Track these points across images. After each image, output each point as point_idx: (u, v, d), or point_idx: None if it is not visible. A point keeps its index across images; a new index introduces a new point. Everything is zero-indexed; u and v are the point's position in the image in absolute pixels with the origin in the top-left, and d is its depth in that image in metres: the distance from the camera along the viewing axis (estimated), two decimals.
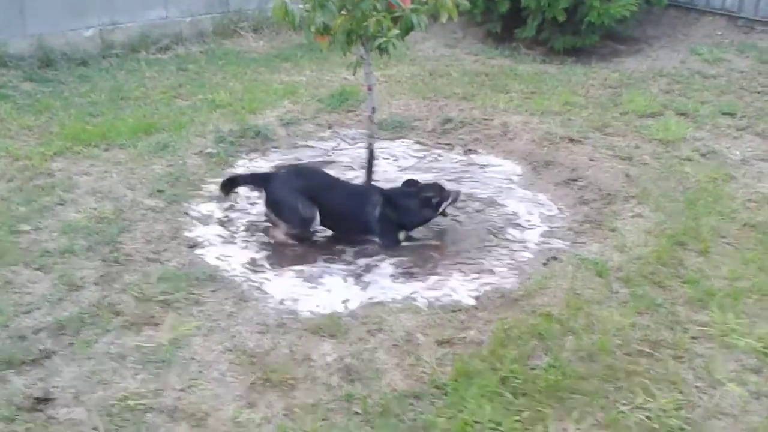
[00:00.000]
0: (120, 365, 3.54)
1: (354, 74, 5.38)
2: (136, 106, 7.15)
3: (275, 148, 6.36)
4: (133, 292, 4.12)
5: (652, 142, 6.19)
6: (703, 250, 4.48)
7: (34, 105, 7.13)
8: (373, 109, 5.39)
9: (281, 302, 4.13)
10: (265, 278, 4.42)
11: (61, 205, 5.13)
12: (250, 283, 4.34)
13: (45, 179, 5.51)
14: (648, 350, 3.60)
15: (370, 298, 4.20)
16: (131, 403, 3.28)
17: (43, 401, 3.30)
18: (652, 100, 7.07)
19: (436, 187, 4.94)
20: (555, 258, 4.53)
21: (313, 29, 4.91)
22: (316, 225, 4.84)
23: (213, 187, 5.54)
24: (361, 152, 5.56)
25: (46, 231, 4.79)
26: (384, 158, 5.98)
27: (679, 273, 4.27)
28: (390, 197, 4.91)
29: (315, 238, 4.90)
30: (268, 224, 4.96)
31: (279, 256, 4.69)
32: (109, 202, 5.18)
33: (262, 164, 6.03)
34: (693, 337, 3.71)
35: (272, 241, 4.85)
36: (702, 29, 9.47)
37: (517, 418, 3.19)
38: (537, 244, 4.79)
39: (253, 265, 4.58)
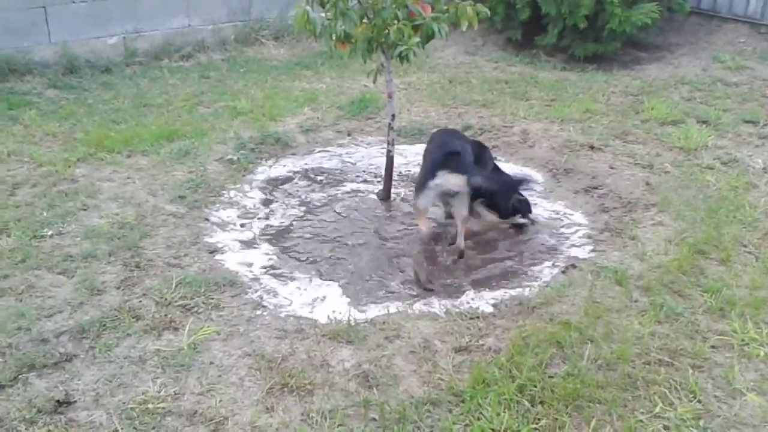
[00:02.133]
0: (140, 369, 3.58)
1: (374, 82, 5.40)
2: (159, 113, 7.24)
3: (292, 154, 6.41)
4: (153, 297, 4.16)
5: (673, 149, 6.15)
6: (724, 259, 4.44)
7: (58, 111, 7.24)
8: (393, 117, 5.41)
9: (300, 308, 4.15)
10: (284, 284, 4.44)
11: (84, 210, 5.20)
12: (269, 288, 4.37)
13: (68, 185, 5.59)
14: (667, 359, 3.58)
15: (388, 305, 4.21)
16: (151, 406, 3.31)
17: (63, 404, 3.34)
18: (674, 108, 7.03)
19: None
20: (574, 266, 4.52)
21: (334, 37, 4.95)
22: None
23: (233, 193, 5.60)
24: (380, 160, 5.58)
25: (69, 236, 4.85)
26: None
27: (699, 282, 4.24)
28: None
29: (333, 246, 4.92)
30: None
31: (298, 262, 4.72)
32: (131, 207, 5.24)
33: (280, 170, 6.08)
34: (713, 347, 3.68)
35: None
36: (724, 36, 9.40)
37: (535, 426, 3.18)
38: (556, 252, 4.78)
39: (272, 270, 4.60)
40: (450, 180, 4.52)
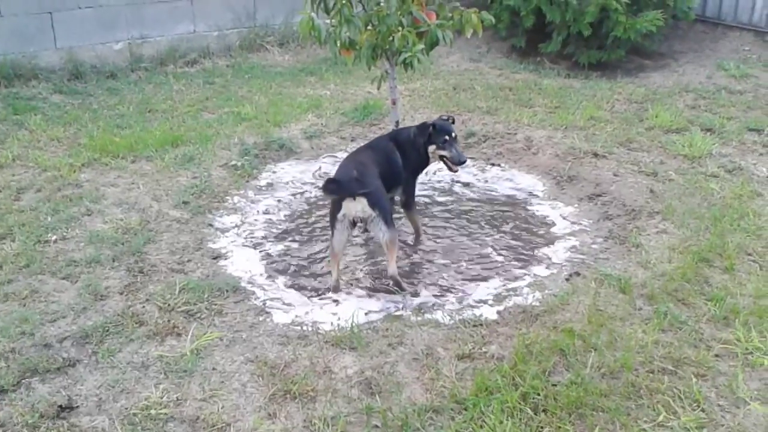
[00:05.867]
0: (143, 374, 3.58)
1: (378, 88, 5.43)
2: (164, 119, 7.26)
3: (296, 159, 6.42)
4: (156, 302, 4.16)
5: (678, 157, 6.14)
6: (728, 268, 4.43)
7: (63, 117, 7.27)
8: (397, 123, 5.42)
9: (302, 314, 4.15)
10: (287, 290, 4.44)
11: (88, 215, 5.21)
12: (272, 294, 4.37)
13: (73, 190, 5.60)
14: (671, 368, 3.56)
15: (391, 311, 4.20)
16: (153, 412, 3.31)
17: (66, 409, 3.34)
18: (678, 116, 7.02)
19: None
20: (578, 274, 4.50)
21: (338, 44, 4.96)
22: None
23: (237, 199, 5.60)
24: None
25: (73, 241, 4.86)
26: None
27: (703, 290, 4.23)
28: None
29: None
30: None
31: (301, 269, 4.72)
32: (135, 212, 5.25)
33: (284, 176, 6.09)
34: (716, 355, 3.66)
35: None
36: (729, 44, 9.40)
37: None
38: (559, 260, 4.76)
39: (276, 276, 4.60)
40: (352, 209, 4.25)
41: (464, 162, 4.94)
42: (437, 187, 5.97)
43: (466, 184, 5.99)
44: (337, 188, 4.23)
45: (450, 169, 4.96)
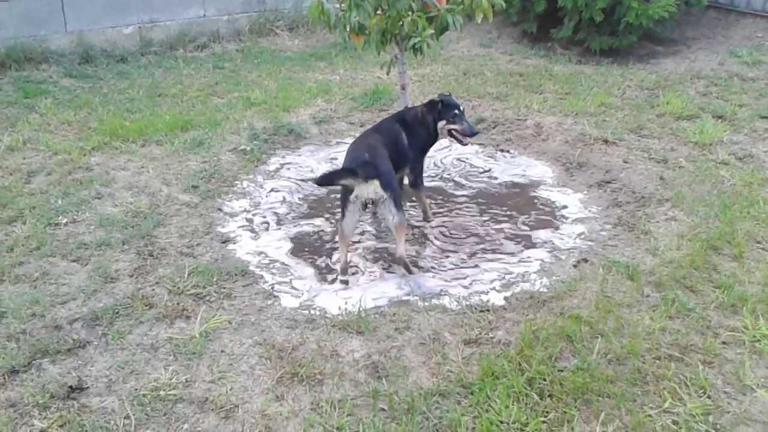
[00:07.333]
0: (152, 356, 3.61)
1: (387, 73, 5.41)
2: (173, 103, 7.28)
3: (307, 145, 6.43)
4: (166, 285, 4.19)
5: (688, 144, 6.11)
6: (737, 255, 4.41)
7: (73, 100, 7.30)
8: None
9: (310, 298, 4.17)
10: (295, 274, 4.46)
11: (99, 198, 5.24)
12: (280, 278, 4.39)
13: (83, 173, 5.64)
14: (678, 355, 3.57)
15: (398, 296, 4.22)
16: (162, 393, 3.34)
17: (76, 390, 3.38)
18: (689, 103, 6.99)
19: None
20: (585, 260, 4.50)
21: (348, 28, 4.95)
22: None
23: (246, 184, 5.62)
24: None
25: (84, 224, 4.89)
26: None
27: (711, 278, 4.22)
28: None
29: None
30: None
31: (308, 253, 4.73)
32: (145, 196, 5.28)
33: (293, 160, 6.10)
34: (723, 343, 3.66)
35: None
36: (742, 31, 9.32)
37: (543, 419, 3.18)
38: (568, 246, 4.76)
39: (284, 260, 4.62)
40: (365, 191, 4.26)
41: (476, 133, 5.04)
42: (446, 174, 5.95)
43: (475, 170, 5.98)
44: (355, 174, 4.21)
45: (460, 142, 5.02)
